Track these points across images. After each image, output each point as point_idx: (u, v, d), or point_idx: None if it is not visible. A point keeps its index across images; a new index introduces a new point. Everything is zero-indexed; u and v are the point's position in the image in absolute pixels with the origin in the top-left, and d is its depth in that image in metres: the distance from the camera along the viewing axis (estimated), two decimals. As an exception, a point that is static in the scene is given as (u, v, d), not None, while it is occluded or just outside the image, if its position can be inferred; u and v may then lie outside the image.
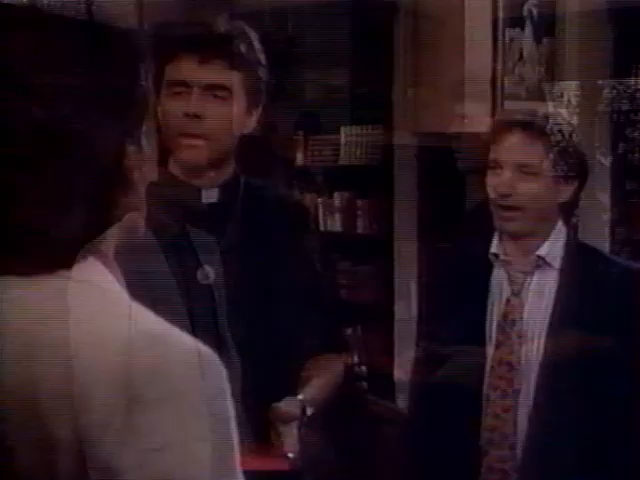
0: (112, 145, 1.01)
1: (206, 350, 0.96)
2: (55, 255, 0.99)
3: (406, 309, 4.42)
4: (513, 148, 2.07)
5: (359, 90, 4.55)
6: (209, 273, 1.84)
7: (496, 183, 2.08)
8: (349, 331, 2.03)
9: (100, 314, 0.98)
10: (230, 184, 1.89)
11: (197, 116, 1.78)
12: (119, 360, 0.93)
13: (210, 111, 1.79)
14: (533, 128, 2.06)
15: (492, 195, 2.09)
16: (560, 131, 2.08)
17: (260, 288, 1.87)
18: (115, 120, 1.02)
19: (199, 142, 1.80)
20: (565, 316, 2.06)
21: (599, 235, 4.36)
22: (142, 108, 1.07)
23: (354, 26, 4.37)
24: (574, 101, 4.20)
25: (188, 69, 1.78)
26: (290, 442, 1.79)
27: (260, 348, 1.84)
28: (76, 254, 1.00)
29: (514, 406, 2.07)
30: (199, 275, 1.84)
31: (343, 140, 4.77)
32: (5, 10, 1.02)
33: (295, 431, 1.81)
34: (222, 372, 0.97)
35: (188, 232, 1.85)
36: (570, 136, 2.09)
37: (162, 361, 0.93)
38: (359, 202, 4.76)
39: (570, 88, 4.27)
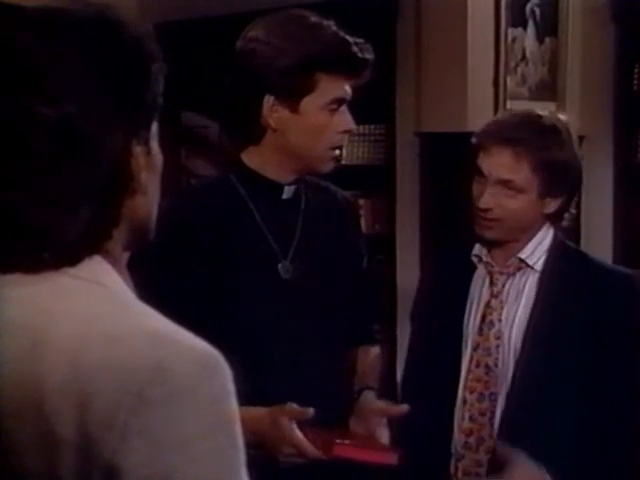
0: (119, 145, 1.02)
1: (212, 351, 0.96)
2: (61, 253, 1.00)
3: (408, 308, 4.42)
4: (499, 165, 2.01)
5: (362, 89, 4.55)
6: (289, 268, 1.89)
7: (478, 194, 2.04)
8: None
9: (105, 312, 0.98)
10: (299, 181, 1.96)
11: (349, 131, 1.94)
12: (124, 359, 0.93)
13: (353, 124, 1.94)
14: (522, 146, 1.99)
15: (475, 202, 2.05)
16: (550, 148, 2.01)
17: (328, 281, 1.96)
18: (122, 121, 1.02)
19: (338, 152, 1.95)
20: (543, 319, 2.02)
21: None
22: (152, 110, 1.07)
23: (357, 24, 4.36)
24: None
25: (346, 86, 1.91)
26: (385, 434, 1.87)
27: (329, 337, 1.93)
28: (82, 252, 1.01)
29: (490, 409, 2.04)
30: (281, 270, 1.89)
31: (345, 139, 4.76)
32: (17, 11, 1.03)
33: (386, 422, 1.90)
34: (227, 373, 0.96)
35: (265, 227, 1.91)
36: (562, 150, 2.02)
37: (167, 361, 0.93)
38: (362, 202, 4.76)
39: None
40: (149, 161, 1.06)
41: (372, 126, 4.67)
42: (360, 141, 4.73)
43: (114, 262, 1.04)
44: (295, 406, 1.74)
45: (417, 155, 4.34)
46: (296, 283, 1.90)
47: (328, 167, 1.94)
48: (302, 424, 1.73)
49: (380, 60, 4.72)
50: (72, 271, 1.00)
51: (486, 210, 2.03)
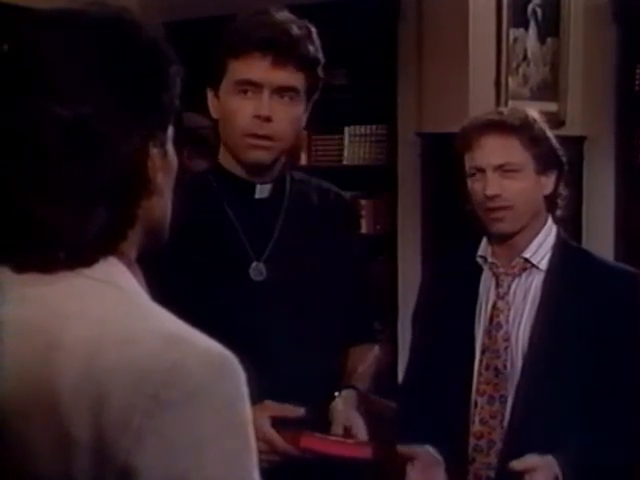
0: (135, 147, 1.02)
1: (226, 353, 0.96)
2: (76, 253, 1.00)
3: (410, 308, 4.42)
4: (493, 151, 2.04)
5: (363, 90, 4.55)
6: (262, 269, 1.85)
7: (481, 187, 2.04)
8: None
9: (119, 314, 0.98)
10: (280, 180, 1.91)
11: (268, 119, 1.79)
12: (139, 361, 0.93)
13: (281, 113, 1.80)
14: (505, 126, 2.04)
15: (479, 199, 2.06)
16: (532, 124, 2.06)
17: (311, 281, 1.89)
18: (139, 123, 1.02)
19: (267, 143, 1.81)
20: (548, 319, 2.02)
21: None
22: (168, 112, 1.07)
23: (359, 25, 4.37)
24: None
25: (259, 69, 1.78)
26: (362, 431, 1.82)
27: (311, 339, 1.87)
28: (97, 253, 1.01)
29: (501, 412, 2.03)
30: (252, 272, 1.84)
31: (347, 140, 4.77)
32: (33, 13, 1.03)
33: (362, 419, 1.85)
34: (241, 375, 0.96)
35: (239, 227, 1.86)
36: (540, 129, 2.07)
37: (180, 363, 0.93)
38: (363, 202, 4.77)
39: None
40: (165, 163, 1.07)
41: (373, 126, 4.67)
42: (361, 141, 4.74)
43: (129, 263, 1.04)
44: (273, 403, 1.72)
45: (418, 155, 4.34)
46: (269, 285, 1.84)
47: (249, 157, 1.82)
48: (278, 424, 1.70)
49: (382, 60, 4.74)
50: (87, 272, 1.00)
51: (494, 198, 2.03)
